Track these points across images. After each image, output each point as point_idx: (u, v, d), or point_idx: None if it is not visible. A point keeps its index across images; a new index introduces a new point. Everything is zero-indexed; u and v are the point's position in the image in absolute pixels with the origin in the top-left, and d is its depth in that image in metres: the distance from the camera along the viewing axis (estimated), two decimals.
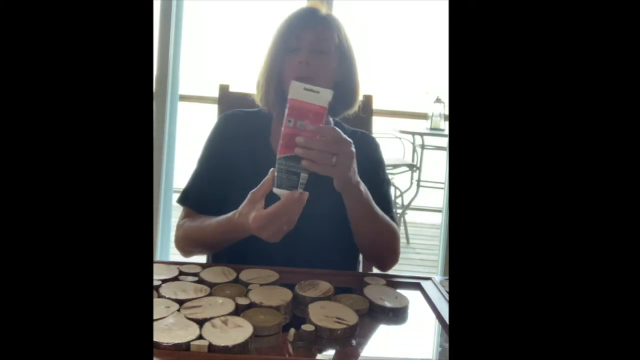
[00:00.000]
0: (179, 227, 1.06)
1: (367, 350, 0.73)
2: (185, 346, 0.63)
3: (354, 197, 0.94)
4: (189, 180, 1.10)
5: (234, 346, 0.64)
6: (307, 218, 0.86)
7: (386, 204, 1.10)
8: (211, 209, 1.01)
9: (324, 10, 1.09)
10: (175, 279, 0.83)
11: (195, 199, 1.07)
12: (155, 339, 0.63)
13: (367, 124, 1.27)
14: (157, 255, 2.17)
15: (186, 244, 1.05)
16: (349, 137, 1.12)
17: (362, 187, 0.94)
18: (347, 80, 1.09)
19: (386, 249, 1.05)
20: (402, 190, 3.90)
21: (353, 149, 0.86)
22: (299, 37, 1.04)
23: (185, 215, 1.07)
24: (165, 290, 0.78)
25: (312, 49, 1.03)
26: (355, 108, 1.13)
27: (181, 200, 1.09)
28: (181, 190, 1.10)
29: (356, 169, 0.90)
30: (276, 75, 1.05)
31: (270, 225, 0.82)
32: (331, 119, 1.14)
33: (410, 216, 4.11)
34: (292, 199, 0.80)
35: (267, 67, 1.06)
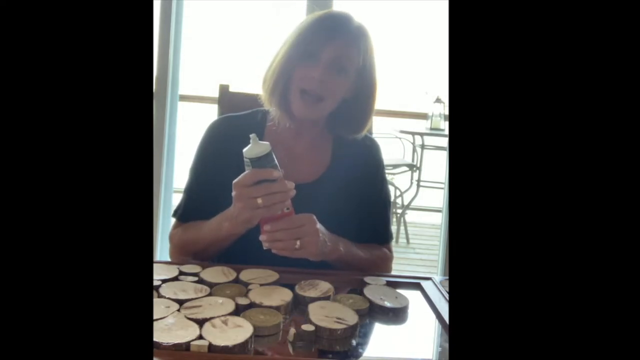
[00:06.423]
0: (172, 236, 1.05)
1: (367, 350, 0.73)
2: (185, 346, 0.63)
3: (335, 259, 0.94)
4: (182, 195, 1.07)
5: (234, 346, 0.64)
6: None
7: (383, 211, 1.10)
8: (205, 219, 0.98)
9: (356, 21, 1.00)
10: (175, 279, 0.83)
11: (188, 213, 1.04)
12: (155, 339, 0.63)
13: None
14: (157, 255, 2.17)
15: (182, 252, 1.01)
16: (350, 139, 1.12)
17: (341, 245, 0.94)
18: (359, 101, 1.03)
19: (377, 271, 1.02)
20: (402, 190, 3.90)
21: (317, 226, 0.87)
22: (321, 47, 0.96)
23: (177, 226, 1.06)
24: (165, 290, 0.78)
25: (331, 65, 0.96)
26: (362, 133, 1.07)
27: (175, 214, 1.06)
28: (181, 190, 1.09)
29: (326, 240, 0.89)
30: (285, 79, 0.99)
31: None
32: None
33: (410, 216, 4.11)
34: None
35: (280, 69, 0.99)
